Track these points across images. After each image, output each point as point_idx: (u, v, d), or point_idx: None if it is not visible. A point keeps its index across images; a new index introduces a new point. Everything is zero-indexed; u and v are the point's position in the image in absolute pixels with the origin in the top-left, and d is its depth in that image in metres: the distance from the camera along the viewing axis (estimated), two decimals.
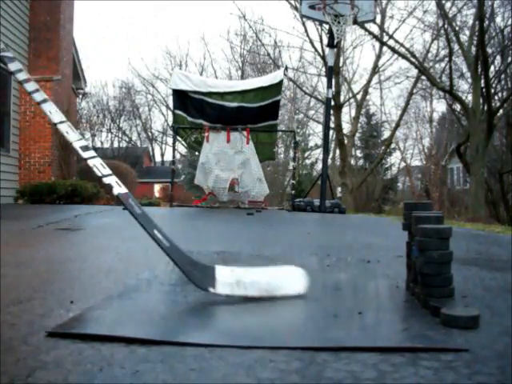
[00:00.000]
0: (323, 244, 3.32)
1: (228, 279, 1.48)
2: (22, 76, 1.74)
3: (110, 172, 1.61)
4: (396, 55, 19.99)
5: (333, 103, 15.01)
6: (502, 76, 18.12)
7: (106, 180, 1.59)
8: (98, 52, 50.26)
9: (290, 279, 1.56)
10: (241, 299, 1.48)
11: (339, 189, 20.76)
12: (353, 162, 26.02)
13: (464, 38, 17.85)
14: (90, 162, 1.62)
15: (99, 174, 1.59)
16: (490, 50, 16.77)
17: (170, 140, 33.46)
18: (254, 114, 8.35)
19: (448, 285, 1.43)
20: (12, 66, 1.74)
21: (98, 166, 1.61)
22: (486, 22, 15.56)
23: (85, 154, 1.63)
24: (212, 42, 59.85)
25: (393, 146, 26.89)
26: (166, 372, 0.91)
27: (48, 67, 9.57)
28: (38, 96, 1.70)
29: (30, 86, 1.71)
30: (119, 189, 1.57)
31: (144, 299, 1.50)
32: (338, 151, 22.94)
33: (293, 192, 9.68)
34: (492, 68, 17.29)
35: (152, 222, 1.52)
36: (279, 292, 1.50)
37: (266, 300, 1.51)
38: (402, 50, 18.97)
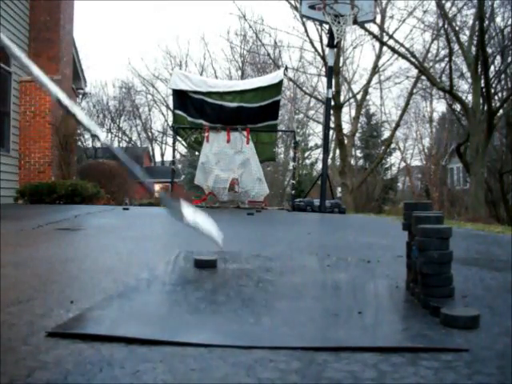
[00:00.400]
0: (323, 244, 3.32)
1: (191, 215, 1.80)
2: (16, 52, 1.74)
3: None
4: (396, 55, 20.01)
5: (333, 103, 15.01)
6: (502, 76, 18.14)
7: (92, 129, 1.76)
8: (98, 52, 50.34)
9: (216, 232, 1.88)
10: (242, 299, 1.48)
11: (339, 189, 20.78)
12: (353, 162, 26.02)
13: (464, 38, 17.87)
14: (77, 112, 1.75)
15: (85, 123, 1.76)
16: (490, 50, 16.77)
17: (170, 140, 33.51)
18: (253, 114, 8.35)
19: (448, 285, 1.43)
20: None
21: (83, 116, 1.77)
22: (486, 22, 15.57)
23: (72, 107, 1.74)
24: (212, 42, 59.96)
25: (393, 146, 26.90)
26: (166, 372, 0.91)
27: (48, 67, 9.56)
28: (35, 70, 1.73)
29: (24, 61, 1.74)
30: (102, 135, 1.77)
31: (144, 299, 1.50)
32: (338, 151, 22.95)
33: (293, 192, 9.68)
34: (492, 68, 17.30)
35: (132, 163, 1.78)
36: (214, 237, 1.78)
37: (266, 299, 1.51)
38: (402, 49, 18.99)
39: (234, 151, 8.22)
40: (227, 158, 8.19)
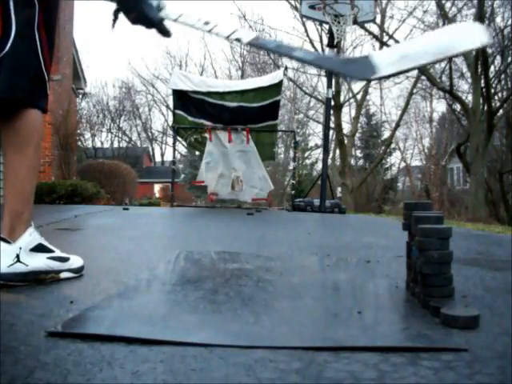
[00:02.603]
0: (323, 244, 3.32)
1: (390, 59, 1.36)
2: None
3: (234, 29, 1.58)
4: None
5: (333, 103, 15.00)
6: (502, 76, 18.13)
7: (233, 36, 1.57)
8: (98, 52, 50.31)
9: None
10: (242, 299, 1.48)
11: (339, 189, 20.77)
12: (353, 162, 26.01)
13: None
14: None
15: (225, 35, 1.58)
16: (490, 50, 16.76)
17: (170, 140, 33.50)
18: (253, 114, 8.36)
19: (448, 285, 1.43)
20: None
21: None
22: (486, 22, 15.56)
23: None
24: (212, 42, 59.90)
25: (393, 146, 26.90)
26: (166, 372, 0.91)
27: None
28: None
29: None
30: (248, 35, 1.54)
31: (144, 299, 1.50)
32: (338, 151, 22.94)
33: (293, 192, 9.69)
34: (492, 68, 17.30)
35: (288, 47, 1.52)
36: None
37: (266, 299, 1.51)
38: None
39: (236, 150, 8.26)
40: (229, 156, 8.24)
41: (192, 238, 3.43)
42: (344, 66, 1.43)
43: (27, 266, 1.61)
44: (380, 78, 1.36)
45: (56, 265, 1.71)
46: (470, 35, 1.35)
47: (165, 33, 1.70)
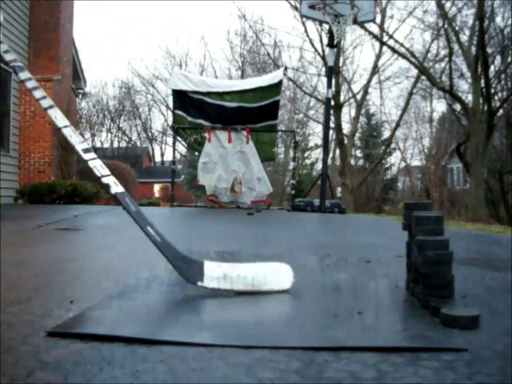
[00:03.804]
0: (323, 244, 3.32)
1: (215, 273, 1.56)
2: (30, 84, 1.84)
3: (109, 173, 1.70)
4: (396, 55, 20.01)
5: (333, 103, 15.00)
6: (502, 76, 18.12)
7: (104, 180, 1.68)
8: (98, 52, 50.33)
9: (275, 275, 1.62)
10: (242, 299, 1.48)
11: (339, 189, 20.76)
12: (353, 162, 26.00)
13: (464, 38, 17.87)
14: (91, 164, 1.71)
15: (98, 175, 1.68)
16: (490, 50, 16.76)
17: (170, 140, 33.51)
18: (253, 114, 8.35)
19: (448, 286, 1.42)
20: (22, 75, 1.86)
21: (98, 167, 1.71)
22: (486, 22, 15.56)
23: (86, 156, 1.73)
24: (212, 42, 59.98)
25: (393, 146, 26.89)
26: (166, 372, 0.91)
27: (48, 67, 9.56)
28: (45, 102, 1.82)
29: (38, 93, 1.83)
30: (116, 188, 1.66)
31: (144, 299, 1.50)
32: (338, 151, 22.94)
33: (293, 192, 9.69)
34: (492, 68, 17.30)
35: (146, 219, 1.63)
36: (264, 287, 1.56)
37: (266, 299, 1.51)
38: (402, 49, 18.99)
39: (235, 151, 8.23)
40: (228, 158, 8.20)
41: (192, 238, 3.42)
42: (179, 262, 1.58)
43: None
44: (202, 287, 1.52)
45: None
46: (275, 277, 1.59)
47: None
